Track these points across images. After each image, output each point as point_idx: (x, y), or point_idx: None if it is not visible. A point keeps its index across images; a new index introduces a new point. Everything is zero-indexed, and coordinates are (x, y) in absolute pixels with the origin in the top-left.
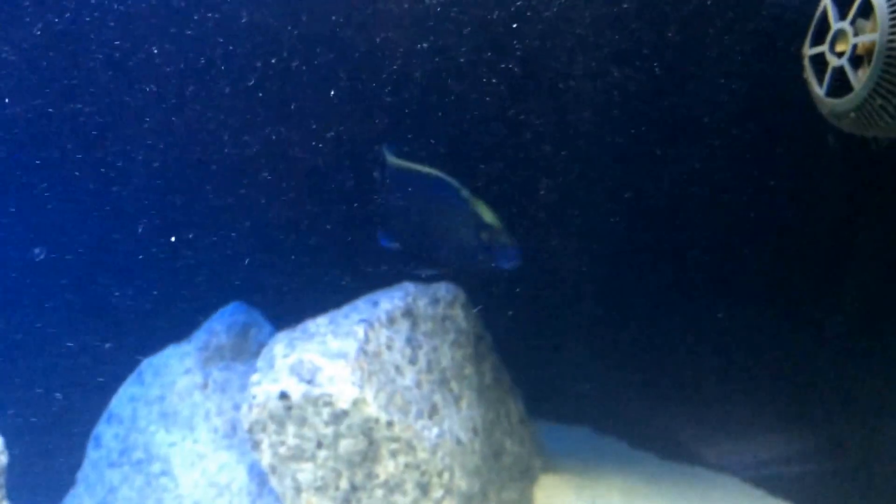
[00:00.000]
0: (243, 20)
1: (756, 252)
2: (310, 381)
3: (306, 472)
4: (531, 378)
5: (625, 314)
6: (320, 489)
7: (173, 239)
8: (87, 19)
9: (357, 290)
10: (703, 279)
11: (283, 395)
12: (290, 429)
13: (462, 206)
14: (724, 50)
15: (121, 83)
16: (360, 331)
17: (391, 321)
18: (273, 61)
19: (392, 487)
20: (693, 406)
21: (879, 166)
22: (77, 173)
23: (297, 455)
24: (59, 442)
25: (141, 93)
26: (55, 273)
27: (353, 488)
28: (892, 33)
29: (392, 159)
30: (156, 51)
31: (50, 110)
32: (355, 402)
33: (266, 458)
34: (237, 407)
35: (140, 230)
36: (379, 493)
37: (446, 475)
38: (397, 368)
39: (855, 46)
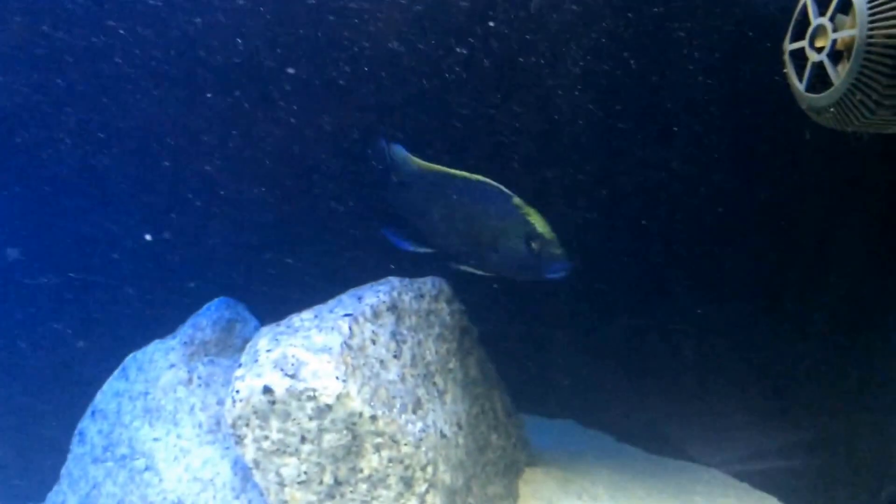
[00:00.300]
0: None
1: (740, 248)
2: (293, 376)
3: (290, 467)
4: (518, 372)
5: (610, 309)
6: (304, 484)
7: (148, 237)
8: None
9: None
10: (688, 275)
11: (267, 390)
12: (274, 423)
13: (513, 213)
14: (706, 46)
15: (103, 76)
16: (344, 325)
17: (376, 316)
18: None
19: (376, 482)
20: (678, 401)
21: (861, 162)
22: (61, 169)
23: (281, 450)
24: (42, 438)
25: (126, 87)
26: (36, 269)
27: (337, 483)
28: (871, 29)
29: (416, 161)
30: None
31: (39, 104)
32: (339, 397)
33: (249, 453)
34: (222, 402)
35: (124, 226)
36: (363, 487)
37: (430, 469)
38: (382, 363)
39: (834, 42)
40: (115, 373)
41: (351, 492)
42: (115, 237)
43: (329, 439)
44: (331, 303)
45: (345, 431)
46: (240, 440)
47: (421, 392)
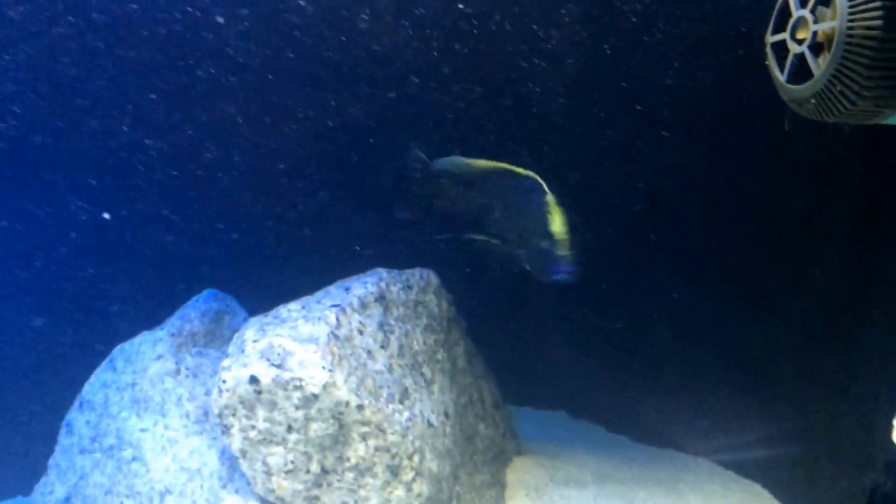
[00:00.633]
0: None
1: (724, 241)
2: (280, 366)
3: (277, 456)
4: (508, 365)
5: (599, 302)
6: (291, 473)
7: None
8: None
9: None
10: (674, 268)
11: (253, 380)
12: (261, 413)
13: (540, 209)
14: (687, 40)
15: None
16: (331, 316)
17: (364, 306)
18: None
19: (363, 470)
20: (666, 392)
21: (844, 155)
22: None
23: (268, 439)
24: (29, 430)
25: (116, 90)
26: (25, 261)
27: (324, 472)
28: (851, 21)
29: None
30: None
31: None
32: (325, 386)
33: (236, 443)
34: (210, 392)
35: (110, 218)
36: (350, 476)
37: (417, 458)
38: (369, 353)
39: (815, 34)
40: (103, 364)
41: (338, 480)
42: (111, 227)
43: (316, 428)
44: (318, 294)
45: (331, 421)
46: (226, 430)
47: (408, 382)
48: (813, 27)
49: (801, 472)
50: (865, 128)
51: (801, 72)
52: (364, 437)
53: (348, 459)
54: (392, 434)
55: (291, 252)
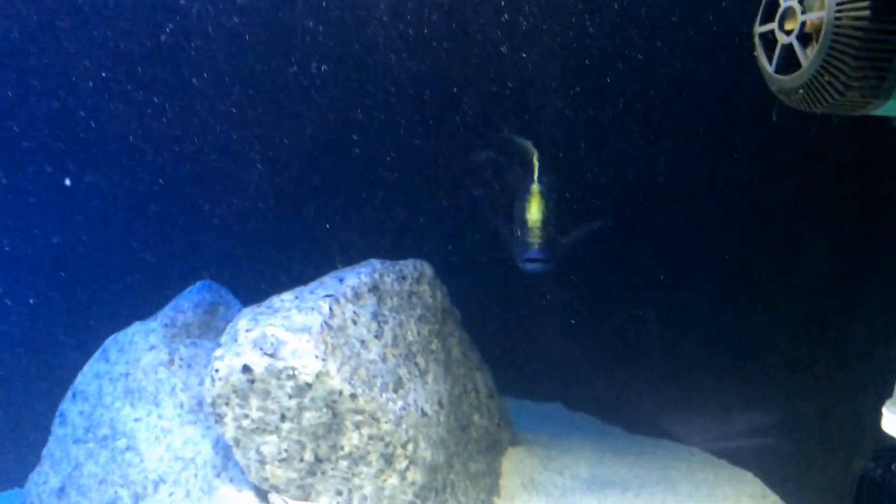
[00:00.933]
0: None
1: (713, 234)
2: (273, 355)
3: (270, 445)
4: (503, 356)
5: (595, 297)
6: (284, 461)
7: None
8: None
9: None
10: (665, 261)
11: (246, 369)
12: (254, 402)
13: (524, 197)
14: (677, 31)
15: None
16: (325, 306)
17: (357, 296)
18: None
19: (356, 459)
20: (659, 383)
21: (833, 146)
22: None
23: (261, 428)
24: (23, 420)
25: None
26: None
27: (318, 460)
28: (839, 11)
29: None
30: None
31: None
32: (319, 375)
33: (229, 432)
34: (203, 382)
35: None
36: (343, 464)
37: (411, 446)
38: (363, 342)
39: (803, 24)
40: (96, 354)
41: (332, 469)
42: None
43: (309, 417)
44: (312, 284)
45: (325, 409)
46: (220, 419)
47: (402, 371)
48: (801, 17)
49: (791, 460)
50: (854, 119)
51: (789, 62)
52: (358, 426)
53: (342, 448)
54: (386, 423)
55: (286, 243)
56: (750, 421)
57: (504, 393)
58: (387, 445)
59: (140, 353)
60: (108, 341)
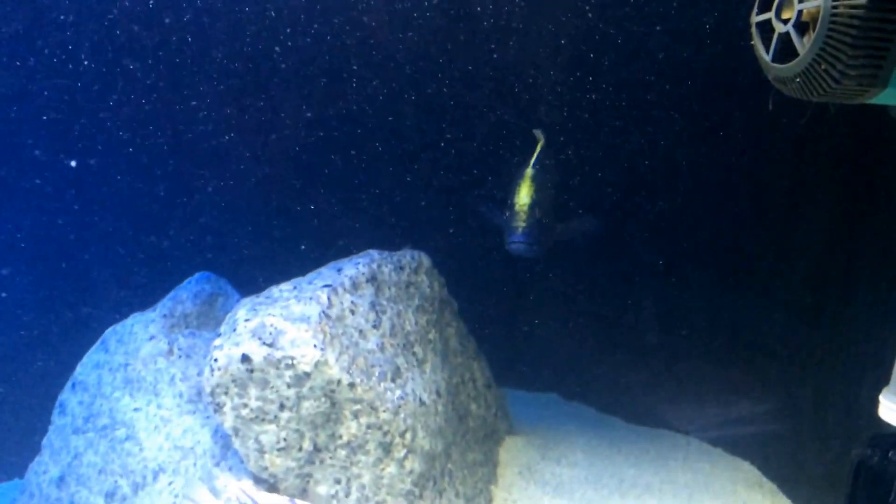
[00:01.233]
0: None
1: (709, 222)
2: (271, 344)
3: (269, 434)
4: (500, 346)
5: (591, 286)
6: (283, 450)
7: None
8: None
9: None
10: (664, 251)
11: (245, 358)
12: (253, 391)
13: (517, 181)
14: (675, 18)
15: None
16: (323, 296)
17: (355, 287)
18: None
19: (355, 448)
20: (656, 373)
21: (829, 135)
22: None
23: (260, 417)
24: (23, 411)
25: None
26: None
27: (316, 449)
28: (836, 0)
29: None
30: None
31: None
32: (317, 365)
33: (228, 421)
34: (202, 372)
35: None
36: (342, 453)
37: (409, 435)
38: (361, 332)
39: (800, 13)
40: (95, 345)
41: (330, 458)
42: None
43: (308, 406)
44: (310, 275)
45: (323, 399)
46: (219, 408)
47: (400, 361)
48: (798, 6)
49: (787, 448)
50: (851, 107)
51: (786, 51)
52: (356, 415)
53: (340, 437)
54: (384, 412)
55: (284, 234)
56: (747, 409)
57: (500, 383)
58: (385, 434)
59: (139, 344)
60: (108, 332)
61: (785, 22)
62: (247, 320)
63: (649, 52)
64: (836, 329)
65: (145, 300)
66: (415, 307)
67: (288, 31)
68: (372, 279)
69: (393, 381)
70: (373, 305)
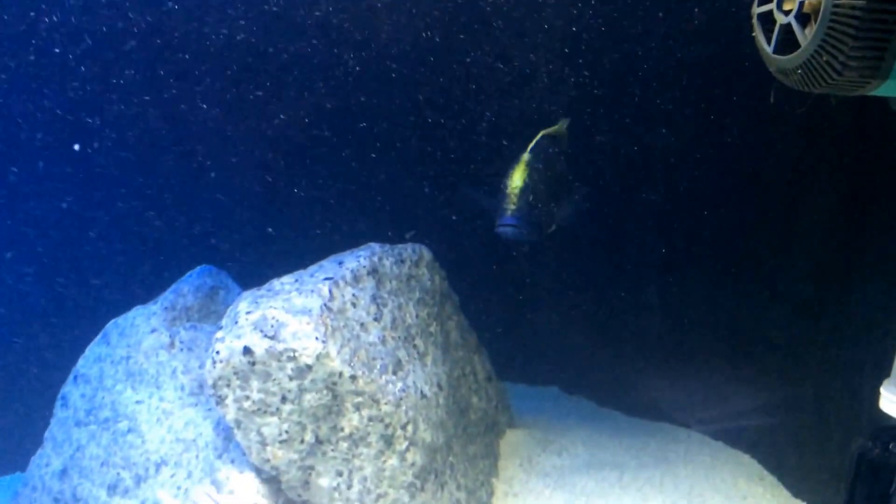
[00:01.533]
0: None
1: (711, 215)
2: (273, 337)
3: (271, 426)
4: (501, 340)
5: (592, 280)
6: (285, 442)
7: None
8: None
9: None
10: (664, 244)
11: (247, 351)
12: (255, 384)
13: (512, 165)
14: (676, 9)
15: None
16: (324, 288)
17: (356, 279)
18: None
19: (357, 440)
20: (657, 366)
21: (830, 128)
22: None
23: (262, 409)
24: (24, 404)
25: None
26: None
27: (318, 441)
28: None
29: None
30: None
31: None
32: (319, 357)
33: (230, 413)
34: (204, 365)
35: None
36: (344, 445)
37: (410, 428)
38: (362, 325)
39: (802, 4)
40: (97, 338)
41: (332, 450)
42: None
43: (309, 399)
44: (312, 268)
45: (325, 391)
46: (221, 400)
47: (401, 354)
48: None
49: (788, 441)
50: (852, 99)
51: (787, 43)
52: (358, 408)
53: (342, 429)
54: (386, 404)
55: (285, 227)
56: (747, 402)
57: (501, 377)
58: (386, 427)
59: (141, 337)
60: (110, 325)
61: (787, 13)
62: (248, 313)
63: (649, 42)
64: (837, 322)
65: (147, 293)
66: (416, 300)
67: (286, 21)
68: (373, 272)
69: (394, 373)
70: (374, 298)
